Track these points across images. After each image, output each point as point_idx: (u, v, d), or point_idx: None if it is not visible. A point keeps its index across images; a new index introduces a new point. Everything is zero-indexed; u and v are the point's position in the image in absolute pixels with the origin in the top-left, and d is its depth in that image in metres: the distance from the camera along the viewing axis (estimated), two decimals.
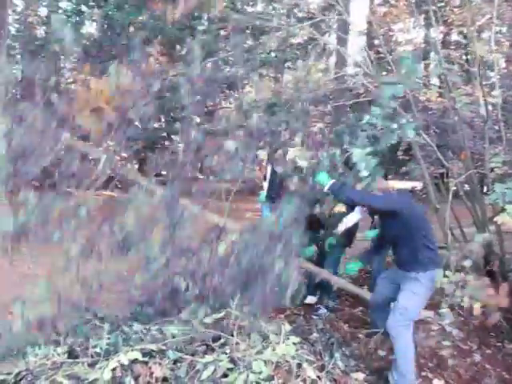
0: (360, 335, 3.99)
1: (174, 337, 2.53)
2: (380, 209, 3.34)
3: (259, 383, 2.20)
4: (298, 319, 4.20)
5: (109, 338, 2.43)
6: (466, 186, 5.60)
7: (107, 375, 2.16)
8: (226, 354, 2.43)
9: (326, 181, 3.25)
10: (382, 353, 3.66)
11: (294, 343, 2.51)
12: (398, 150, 6.87)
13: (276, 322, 2.75)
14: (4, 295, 3.21)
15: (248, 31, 19.21)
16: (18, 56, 19.06)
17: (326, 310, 4.57)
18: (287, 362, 2.37)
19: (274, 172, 6.07)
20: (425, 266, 3.18)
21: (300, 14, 18.59)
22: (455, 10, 5.43)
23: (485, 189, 5.40)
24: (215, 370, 2.29)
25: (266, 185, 6.33)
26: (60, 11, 16.13)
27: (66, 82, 20.55)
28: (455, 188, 4.57)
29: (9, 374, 2.31)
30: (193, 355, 2.47)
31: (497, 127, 5.28)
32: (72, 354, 2.41)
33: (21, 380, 2.28)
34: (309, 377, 2.33)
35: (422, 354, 3.66)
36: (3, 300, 3.06)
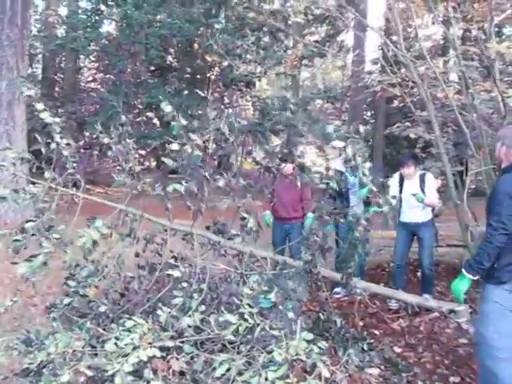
0: (376, 332, 4.00)
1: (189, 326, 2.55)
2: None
3: (274, 382, 2.21)
4: (313, 315, 4.21)
5: (129, 330, 2.48)
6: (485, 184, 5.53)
7: (128, 368, 2.21)
8: (241, 353, 2.45)
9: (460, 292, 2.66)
10: (397, 349, 3.67)
11: (309, 340, 2.52)
12: (415, 146, 6.82)
13: (290, 320, 2.76)
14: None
15: (265, 29, 19.21)
16: (40, 55, 19.39)
17: (343, 290, 4.71)
18: (302, 361, 2.39)
19: None
20: (498, 278, 2.57)
21: (317, 12, 18.52)
22: (475, 5, 5.36)
23: None
24: (230, 368, 2.32)
25: None
26: (80, 11, 16.35)
27: (85, 81, 20.84)
28: (474, 186, 4.52)
29: (31, 363, 2.37)
30: (209, 353, 2.51)
31: None
32: (91, 345, 2.47)
33: (43, 368, 2.35)
34: (324, 375, 2.35)
35: (439, 351, 3.66)
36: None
